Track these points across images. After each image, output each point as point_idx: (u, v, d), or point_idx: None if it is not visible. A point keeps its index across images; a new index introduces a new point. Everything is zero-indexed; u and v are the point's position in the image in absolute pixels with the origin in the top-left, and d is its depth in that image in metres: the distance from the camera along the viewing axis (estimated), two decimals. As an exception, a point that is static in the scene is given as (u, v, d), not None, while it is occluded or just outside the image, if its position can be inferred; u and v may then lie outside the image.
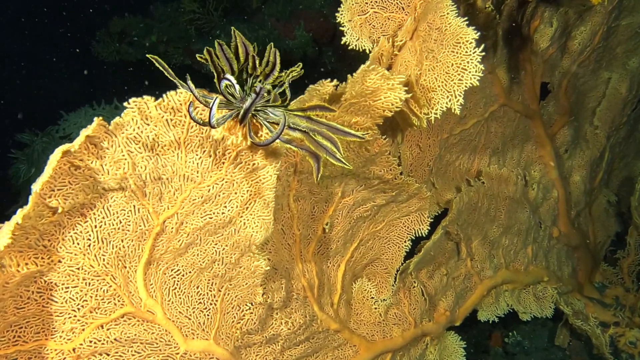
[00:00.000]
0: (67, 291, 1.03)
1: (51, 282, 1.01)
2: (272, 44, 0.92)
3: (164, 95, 0.96)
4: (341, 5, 1.35)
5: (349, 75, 1.14)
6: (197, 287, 1.18)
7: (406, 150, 1.73)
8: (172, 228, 1.09)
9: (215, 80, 0.89)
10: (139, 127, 0.96)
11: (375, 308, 1.60)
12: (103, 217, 1.01)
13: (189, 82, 0.84)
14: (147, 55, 0.89)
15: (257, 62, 0.92)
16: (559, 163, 2.13)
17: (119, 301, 1.08)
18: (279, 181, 1.29)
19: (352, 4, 1.36)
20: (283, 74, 0.92)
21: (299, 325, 1.39)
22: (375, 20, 1.37)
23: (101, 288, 1.06)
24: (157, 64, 0.84)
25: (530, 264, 2.02)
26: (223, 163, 1.06)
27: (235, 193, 1.10)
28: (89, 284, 1.04)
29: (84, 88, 4.82)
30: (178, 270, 1.14)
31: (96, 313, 1.07)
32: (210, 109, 0.82)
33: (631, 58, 2.18)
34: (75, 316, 1.05)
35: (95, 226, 1.01)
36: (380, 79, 1.14)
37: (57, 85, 5.19)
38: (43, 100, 4.88)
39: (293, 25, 3.89)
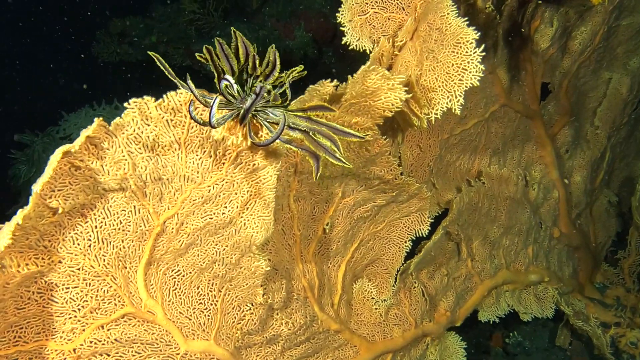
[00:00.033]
0: (67, 292, 1.03)
1: (52, 283, 1.01)
2: (273, 44, 0.92)
3: (164, 95, 0.96)
4: (341, 5, 1.36)
5: (349, 76, 1.14)
6: (198, 288, 1.18)
7: (406, 150, 1.73)
8: (173, 228, 1.08)
9: (216, 80, 0.89)
10: (139, 128, 0.96)
11: (376, 308, 1.59)
12: (103, 218, 1.01)
13: (189, 82, 0.83)
14: (149, 53, 0.89)
15: (258, 62, 0.91)
16: (559, 163, 2.13)
17: (119, 302, 1.08)
18: (279, 181, 1.29)
19: (353, 4, 1.35)
20: (283, 74, 0.92)
21: (299, 326, 1.39)
22: (375, 21, 1.37)
23: (101, 288, 1.06)
24: (158, 63, 0.84)
25: (530, 264, 2.02)
26: (223, 163, 1.06)
27: (236, 193, 1.10)
28: (90, 284, 1.04)
29: (84, 88, 4.82)
30: (178, 270, 1.14)
31: (97, 313, 1.07)
32: (211, 108, 0.82)
33: (632, 58, 2.18)
34: (75, 316, 1.05)
35: (96, 227, 1.01)
36: (381, 79, 1.14)
37: (57, 86, 5.20)
38: (43, 100, 4.88)
39: (293, 26, 3.89)
